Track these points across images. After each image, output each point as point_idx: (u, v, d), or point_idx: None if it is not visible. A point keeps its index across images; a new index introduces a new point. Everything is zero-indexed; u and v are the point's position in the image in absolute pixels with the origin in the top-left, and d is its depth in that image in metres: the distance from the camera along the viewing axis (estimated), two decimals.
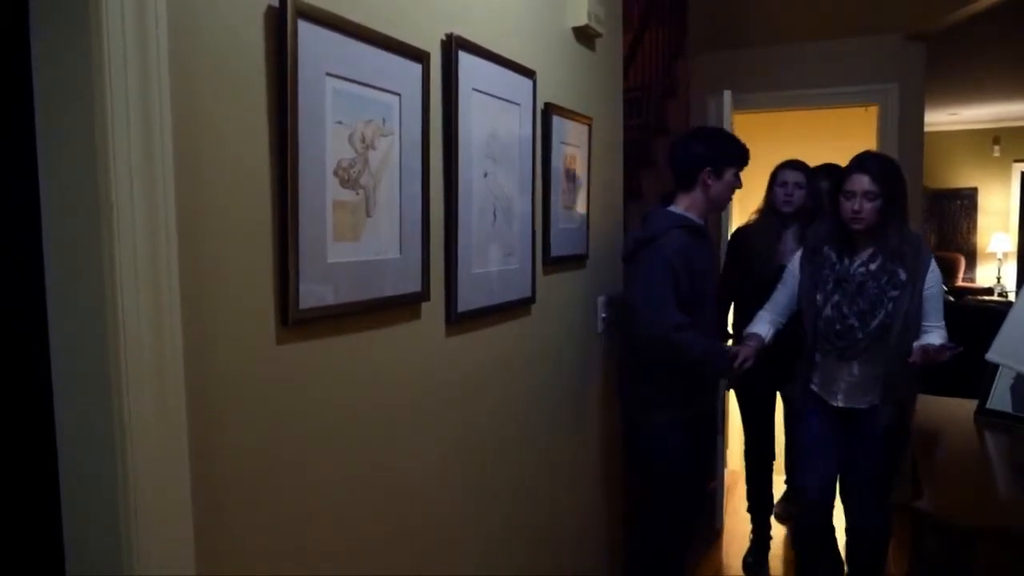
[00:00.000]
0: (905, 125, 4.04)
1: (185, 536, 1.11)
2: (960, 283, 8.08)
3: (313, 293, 1.33)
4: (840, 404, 2.50)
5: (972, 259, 8.62)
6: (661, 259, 2.31)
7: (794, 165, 3.12)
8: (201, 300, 1.15)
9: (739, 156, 2.48)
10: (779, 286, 2.62)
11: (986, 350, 2.22)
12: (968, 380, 2.54)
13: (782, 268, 2.75)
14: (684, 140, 2.54)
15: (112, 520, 1.04)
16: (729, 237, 3.53)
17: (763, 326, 2.62)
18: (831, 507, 2.65)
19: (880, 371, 2.41)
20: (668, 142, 3.10)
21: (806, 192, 3.05)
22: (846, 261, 2.42)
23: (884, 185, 2.33)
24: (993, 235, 8.44)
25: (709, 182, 2.43)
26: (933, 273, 2.38)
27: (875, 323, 2.35)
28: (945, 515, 1.74)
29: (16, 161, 1.05)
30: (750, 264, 3.12)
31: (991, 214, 8.61)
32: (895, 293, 2.33)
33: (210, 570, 1.16)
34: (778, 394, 3.33)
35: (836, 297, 2.40)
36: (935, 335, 2.36)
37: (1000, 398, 2.41)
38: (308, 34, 1.28)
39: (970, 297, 6.18)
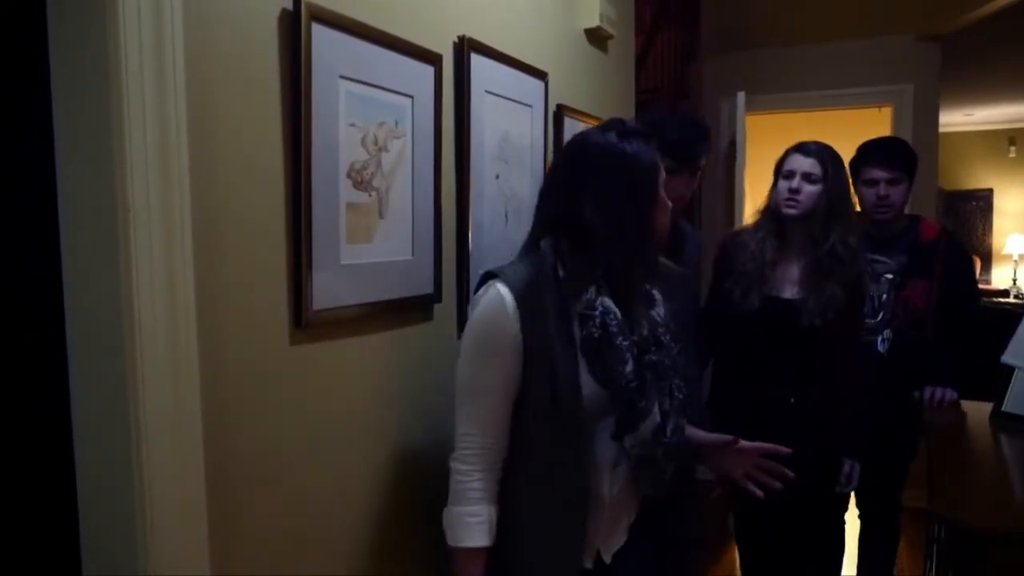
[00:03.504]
0: (919, 126, 4.02)
1: (199, 535, 1.12)
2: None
3: (326, 294, 1.34)
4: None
5: (988, 261, 8.54)
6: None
7: (806, 149, 2.14)
8: (216, 301, 1.16)
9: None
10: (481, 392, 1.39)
11: (1002, 352, 2.20)
12: (984, 382, 2.52)
13: (775, 302, 2.09)
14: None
15: (128, 519, 1.05)
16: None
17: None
18: None
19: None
20: None
21: (823, 189, 2.08)
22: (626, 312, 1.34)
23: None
24: (1009, 236, 8.35)
25: None
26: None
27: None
28: (960, 517, 1.73)
29: (34, 163, 1.06)
30: (729, 294, 2.15)
31: (1007, 215, 8.53)
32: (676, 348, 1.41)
33: (224, 569, 1.17)
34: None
35: (650, 388, 1.31)
36: None
37: (1016, 401, 2.38)
38: (322, 37, 1.29)
39: (986, 299, 6.13)
